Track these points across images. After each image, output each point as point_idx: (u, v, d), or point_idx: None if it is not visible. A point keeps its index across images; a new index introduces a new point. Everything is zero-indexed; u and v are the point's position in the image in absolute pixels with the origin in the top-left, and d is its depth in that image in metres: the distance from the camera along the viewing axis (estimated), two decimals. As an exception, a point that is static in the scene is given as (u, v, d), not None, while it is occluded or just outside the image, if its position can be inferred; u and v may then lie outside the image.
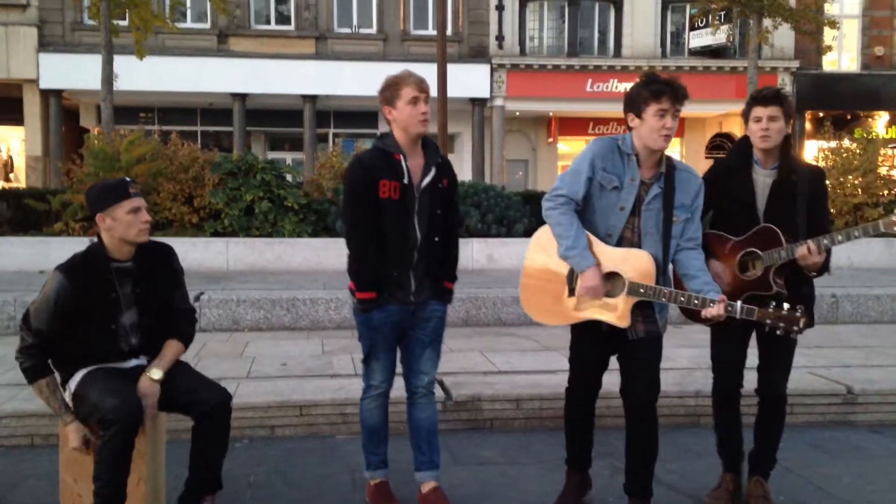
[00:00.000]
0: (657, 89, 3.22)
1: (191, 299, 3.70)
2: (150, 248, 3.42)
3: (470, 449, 4.58)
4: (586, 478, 3.75)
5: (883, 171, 13.26)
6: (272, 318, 7.48)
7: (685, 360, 5.95)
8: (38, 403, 3.34)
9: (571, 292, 3.40)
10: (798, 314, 3.18)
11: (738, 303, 3.21)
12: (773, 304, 3.24)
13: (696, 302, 3.22)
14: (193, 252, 10.39)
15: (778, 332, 3.23)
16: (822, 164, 13.34)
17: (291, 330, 7.44)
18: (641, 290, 3.26)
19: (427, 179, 3.49)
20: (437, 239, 3.54)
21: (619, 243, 3.34)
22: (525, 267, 3.56)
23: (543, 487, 3.94)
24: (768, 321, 3.20)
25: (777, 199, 3.56)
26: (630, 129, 3.37)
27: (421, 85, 3.45)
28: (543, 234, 3.50)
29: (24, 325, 3.25)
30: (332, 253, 10.76)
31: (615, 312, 3.31)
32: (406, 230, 3.46)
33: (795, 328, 3.19)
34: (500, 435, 4.86)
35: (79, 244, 3.45)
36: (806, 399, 5.15)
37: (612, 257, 3.32)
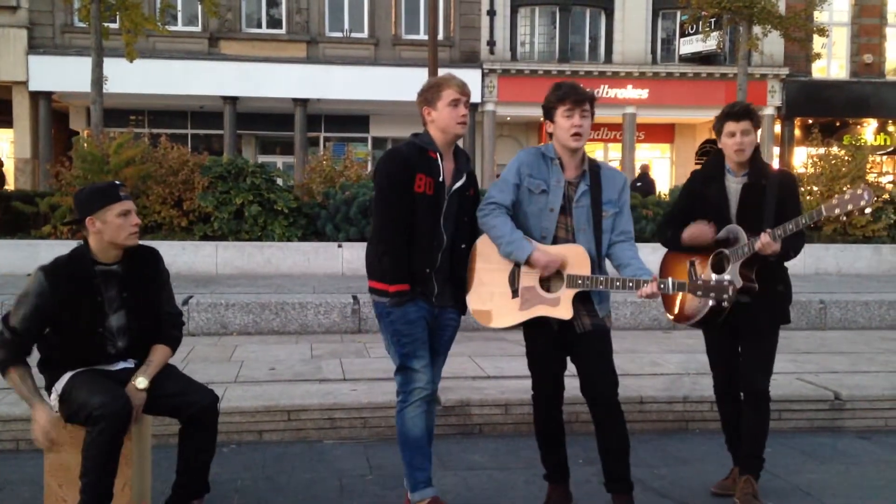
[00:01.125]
0: (560, 94, 3.48)
1: (178, 303, 3.68)
2: (136, 252, 3.40)
3: (458, 454, 4.57)
4: (567, 492, 3.72)
5: (871, 178, 13.33)
6: (261, 322, 7.45)
7: (673, 366, 5.95)
8: (24, 408, 3.32)
9: (515, 293, 3.51)
10: (726, 284, 3.33)
11: (669, 279, 3.40)
12: (701, 275, 3.50)
13: (630, 284, 3.39)
14: (183, 256, 10.35)
15: (711, 303, 3.44)
16: (810, 170, 13.40)
17: (280, 334, 7.41)
18: (580, 281, 3.39)
19: (458, 184, 3.52)
20: (463, 246, 3.56)
21: (554, 243, 3.49)
22: (469, 276, 3.63)
23: (531, 492, 3.93)
24: (699, 293, 3.36)
25: (746, 202, 3.77)
26: (550, 136, 3.58)
27: (463, 88, 3.49)
28: (482, 243, 3.60)
29: (3, 320, 3.26)
30: (321, 257, 10.74)
31: (558, 306, 3.43)
32: (434, 230, 3.45)
33: (725, 296, 3.32)
34: (489, 440, 4.85)
35: (67, 247, 3.42)
36: (794, 405, 5.16)
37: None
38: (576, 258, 3.42)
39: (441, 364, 3.69)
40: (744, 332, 3.79)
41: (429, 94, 3.50)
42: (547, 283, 3.46)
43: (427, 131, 3.53)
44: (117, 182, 3.40)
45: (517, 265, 3.48)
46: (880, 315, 8.33)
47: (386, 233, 3.46)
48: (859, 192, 3.48)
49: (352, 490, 4.00)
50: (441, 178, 3.45)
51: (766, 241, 3.53)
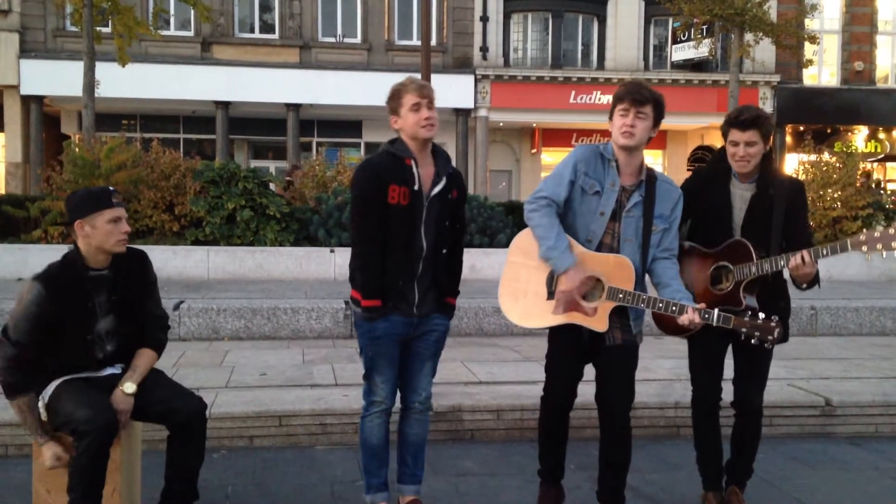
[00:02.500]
0: (620, 93, 3.39)
1: (165, 306, 3.66)
2: (125, 255, 3.37)
3: (450, 460, 4.56)
4: (560, 490, 3.74)
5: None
6: (252, 327, 7.43)
7: (665, 371, 5.96)
8: (12, 413, 3.29)
9: (550, 295, 3.42)
10: (773, 324, 3.25)
11: (715, 310, 3.27)
12: (749, 313, 3.30)
13: (673, 309, 3.29)
14: (174, 260, 10.32)
15: (753, 342, 3.28)
16: (802, 177, 13.45)
17: (272, 339, 7.38)
18: (620, 296, 3.31)
19: (437, 189, 3.42)
20: (444, 251, 3.48)
21: (599, 249, 3.39)
22: (505, 270, 3.56)
23: (523, 498, 3.93)
24: (744, 330, 3.26)
25: (754, 213, 3.58)
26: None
27: (422, 90, 3.38)
28: (524, 237, 3.52)
29: (4, 338, 3.17)
30: (313, 262, 10.72)
31: (594, 316, 3.35)
32: (412, 239, 3.38)
33: (770, 338, 3.25)
34: (481, 446, 4.84)
35: (58, 252, 3.40)
36: (785, 411, 5.17)
37: (592, 261, 3.36)
38: (620, 270, 3.33)
39: (431, 369, 3.64)
40: (741, 347, 3.62)
41: (392, 103, 3.43)
42: (586, 288, 3.36)
43: (400, 138, 3.47)
44: (111, 188, 3.37)
45: None
46: (871, 321, 8.36)
47: (359, 247, 3.43)
48: (892, 231, 3.29)
49: (343, 496, 3.98)
50: (417, 187, 3.37)
51: (808, 261, 3.35)
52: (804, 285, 3.55)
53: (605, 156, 3.43)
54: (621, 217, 3.39)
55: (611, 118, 3.43)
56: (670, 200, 3.45)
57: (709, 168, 3.80)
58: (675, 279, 3.41)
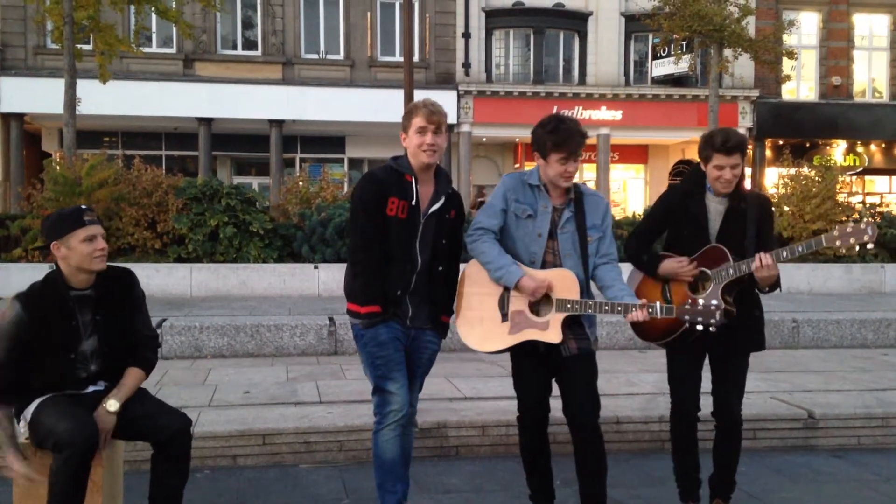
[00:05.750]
0: (558, 140, 3.45)
1: (153, 325, 3.64)
2: (110, 275, 3.37)
3: (435, 476, 4.54)
4: None
5: (841, 198, 13.54)
6: (236, 344, 7.39)
7: (649, 386, 5.98)
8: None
9: (504, 317, 3.54)
10: (713, 308, 3.33)
11: (657, 304, 3.40)
12: (689, 300, 3.46)
13: (619, 308, 3.42)
14: (156, 278, 10.26)
15: (698, 327, 3.36)
16: (781, 191, 13.59)
17: (255, 357, 7.34)
18: (569, 305, 3.43)
19: (435, 207, 3.50)
20: (440, 269, 3.55)
21: (543, 267, 3.53)
22: (459, 300, 3.68)
23: (508, 515, 3.92)
24: (687, 317, 3.36)
25: (729, 225, 3.70)
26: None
27: (431, 116, 3.43)
28: (472, 268, 3.64)
29: None
30: (297, 278, 10.70)
31: (547, 330, 3.45)
32: (408, 252, 3.45)
33: (713, 320, 3.32)
34: (466, 462, 4.83)
35: (38, 270, 3.39)
36: (767, 424, 5.19)
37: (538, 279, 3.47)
38: (564, 282, 3.45)
39: (418, 387, 3.68)
40: (718, 357, 3.73)
41: (404, 121, 3.52)
42: (536, 307, 3.49)
43: (405, 156, 3.55)
44: (84, 206, 3.37)
45: (507, 289, 3.51)
46: (852, 333, 8.42)
47: (358, 255, 3.49)
48: (863, 226, 3.38)
49: (327, 515, 3.96)
50: (415, 202, 3.45)
51: (767, 263, 3.44)
52: (766, 288, 3.65)
53: (531, 183, 3.58)
54: (557, 235, 3.53)
55: (543, 157, 3.51)
56: (599, 210, 3.61)
57: (685, 183, 3.92)
58: (618, 280, 3.56)
